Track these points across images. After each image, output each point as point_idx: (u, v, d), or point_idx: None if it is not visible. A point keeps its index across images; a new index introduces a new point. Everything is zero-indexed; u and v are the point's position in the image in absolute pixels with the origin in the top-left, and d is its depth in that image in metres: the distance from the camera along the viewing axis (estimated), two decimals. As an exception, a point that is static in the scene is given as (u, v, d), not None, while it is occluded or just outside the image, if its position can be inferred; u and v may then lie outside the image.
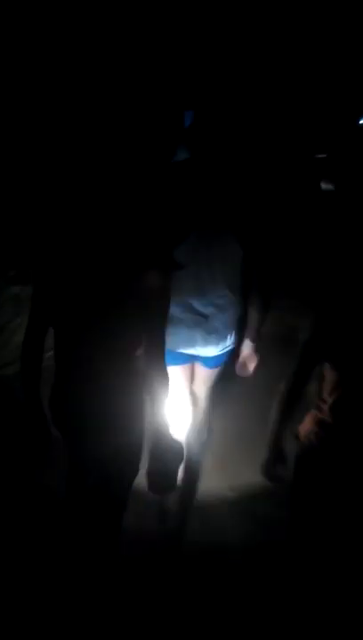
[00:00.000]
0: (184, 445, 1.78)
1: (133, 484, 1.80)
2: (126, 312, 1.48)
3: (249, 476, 2.47)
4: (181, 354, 2.20)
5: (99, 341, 1.51)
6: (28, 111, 3.16)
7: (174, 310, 1.98)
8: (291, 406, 1.75)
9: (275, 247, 2.39)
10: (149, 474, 1.67)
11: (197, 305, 2.09)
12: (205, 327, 2.13)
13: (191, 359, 2.26)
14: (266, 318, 2.25)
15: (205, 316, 2.11)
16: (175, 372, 2.17)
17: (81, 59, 3.15)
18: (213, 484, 2.64)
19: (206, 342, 2.17)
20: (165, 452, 1.64)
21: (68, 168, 3.04)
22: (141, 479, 1.76)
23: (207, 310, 2.10)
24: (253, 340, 2.24)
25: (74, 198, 1.66)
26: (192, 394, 2.39)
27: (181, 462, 1.69)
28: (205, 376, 2.33)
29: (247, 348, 2.25)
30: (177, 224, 2.02)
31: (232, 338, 2.24)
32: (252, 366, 2.30)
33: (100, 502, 1.81)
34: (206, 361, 2.26)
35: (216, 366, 2.29)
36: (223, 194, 2.03)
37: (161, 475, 1.66)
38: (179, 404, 2.34)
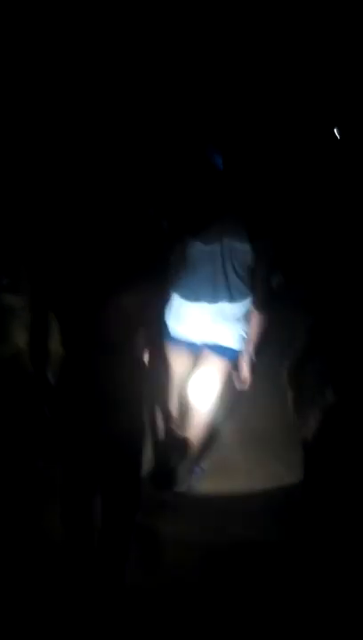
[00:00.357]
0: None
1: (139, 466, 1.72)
2: (126, 303, 1.49)
3: (250, 480, 2.56)
4: (192, 343, 2.35)
5: (99, 329, 1.51)
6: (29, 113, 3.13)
7: (189, 305, 2.23)
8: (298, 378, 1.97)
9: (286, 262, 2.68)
10: (153, 470, 1.69)
11: (210, 303, 2.27)
12: (216, 320, 2.29)
13: (201, 348, 2.37)
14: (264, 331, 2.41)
15: (217, 312, 2.28)
16: (181, 357, 2.33)
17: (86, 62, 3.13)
18: (214, 486, 2.57)
19: (217, 333, 2.32)
20: (169, 449, 1.66)
21: (66, 168, 2.99)
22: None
23: (220, 309, 2.28)
24: (250, 355, 2.42)
25: (75, 193, 1.67)
26: (201, 393, 2.41)
27: (184, 459, 1.66)
28: (216, 367, 2.36)
29: (245, 363, 2.43)
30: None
31: (244, 336, 2.36)
32: (248, 381, 2.47)
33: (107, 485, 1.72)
34: (219, 350, 2.33)
35: (228, 359, 2.36)
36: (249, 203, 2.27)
37: (164, 471, 1.63)
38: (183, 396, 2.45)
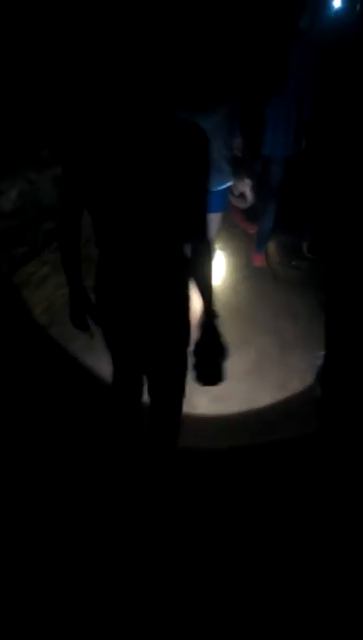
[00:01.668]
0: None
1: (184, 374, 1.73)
2: (171, 205, 1.37)
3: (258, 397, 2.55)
4: None
5: (141, 229, 1.39)
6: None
7: None
8: None
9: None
10: (195, 366, 1.65)
11: None
12: None
13: None
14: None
15: None
16: None
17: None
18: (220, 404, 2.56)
19: None
20: (211, 349, 1.62)
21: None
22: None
23: None
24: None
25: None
26: None
27: (226, 357, 1.65)
28: None
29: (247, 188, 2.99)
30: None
31: (228, 175, 2.53)
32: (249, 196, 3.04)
33: (153, 391, 1.80)
34: None
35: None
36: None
37: (208, 369, 1.64)
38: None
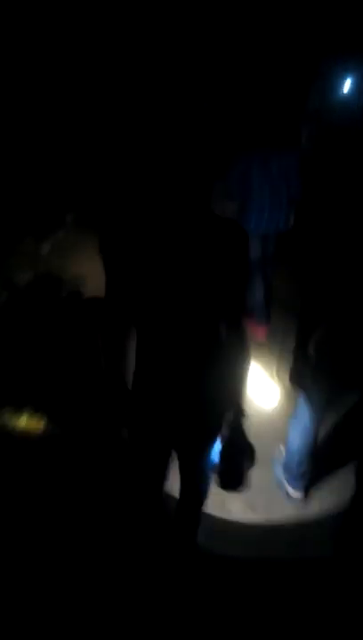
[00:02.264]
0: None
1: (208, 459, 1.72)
2: (207, 295, 1.44)
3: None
4: None
5: (181, 320, 1.45)
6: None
7: None
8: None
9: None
10: (220, 472, 1.63)
11: None
12: None
13: None
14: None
15: None
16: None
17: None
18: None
19: None
20: (238, 453, 1.59)
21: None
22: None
23: None
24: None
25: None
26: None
27: (252, 464, 1.61)
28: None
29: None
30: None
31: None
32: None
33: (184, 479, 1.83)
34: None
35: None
36: None
37: (231, 474, 1.61)
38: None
